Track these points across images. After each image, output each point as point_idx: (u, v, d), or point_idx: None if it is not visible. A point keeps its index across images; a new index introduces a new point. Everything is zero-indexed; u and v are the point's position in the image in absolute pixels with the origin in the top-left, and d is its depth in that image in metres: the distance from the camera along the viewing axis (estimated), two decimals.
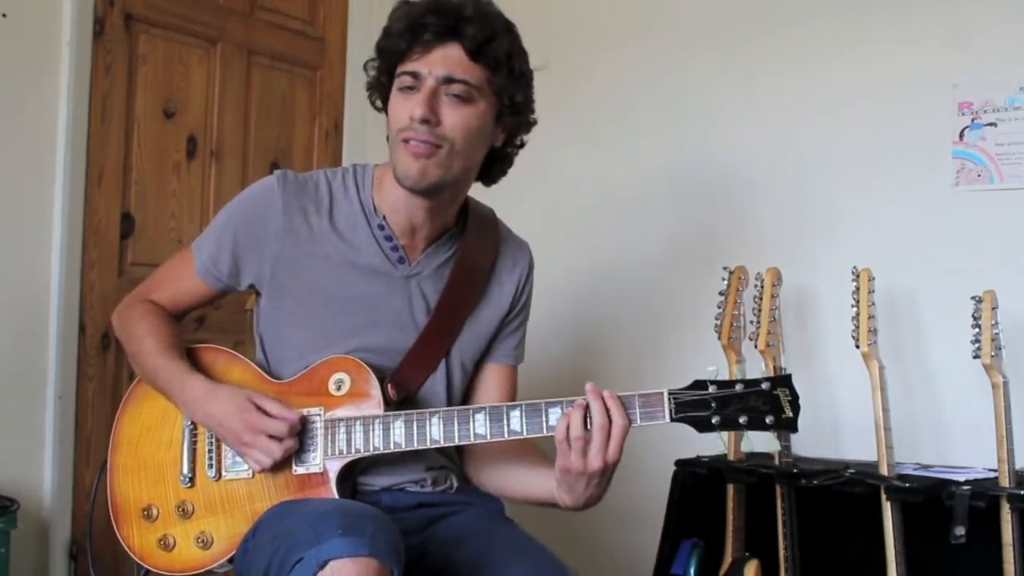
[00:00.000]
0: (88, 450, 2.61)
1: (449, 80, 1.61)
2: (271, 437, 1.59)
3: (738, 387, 1.53)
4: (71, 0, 2.53)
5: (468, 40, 1.61)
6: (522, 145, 1.78)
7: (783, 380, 1.54)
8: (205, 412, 1.64)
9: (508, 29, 1.67)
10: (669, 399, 1.53)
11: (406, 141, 1.61)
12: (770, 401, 1.52)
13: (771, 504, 2.35)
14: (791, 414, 1.52)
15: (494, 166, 1.76)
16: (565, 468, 1.54)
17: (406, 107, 1.61)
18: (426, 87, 1.60)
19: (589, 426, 1.51)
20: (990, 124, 2.47)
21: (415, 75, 1.61)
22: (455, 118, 1.61)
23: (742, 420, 1.53)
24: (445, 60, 1.61)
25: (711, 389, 1.53)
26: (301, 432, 1.62)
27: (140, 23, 2.73)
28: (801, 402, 1.54)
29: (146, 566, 1.68)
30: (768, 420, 1.52)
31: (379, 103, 1.74)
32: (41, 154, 2.53)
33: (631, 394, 1.53)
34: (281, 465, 1.63)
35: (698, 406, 1.53)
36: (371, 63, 1.71)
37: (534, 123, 1.75)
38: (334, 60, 3.23)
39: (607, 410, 1.51)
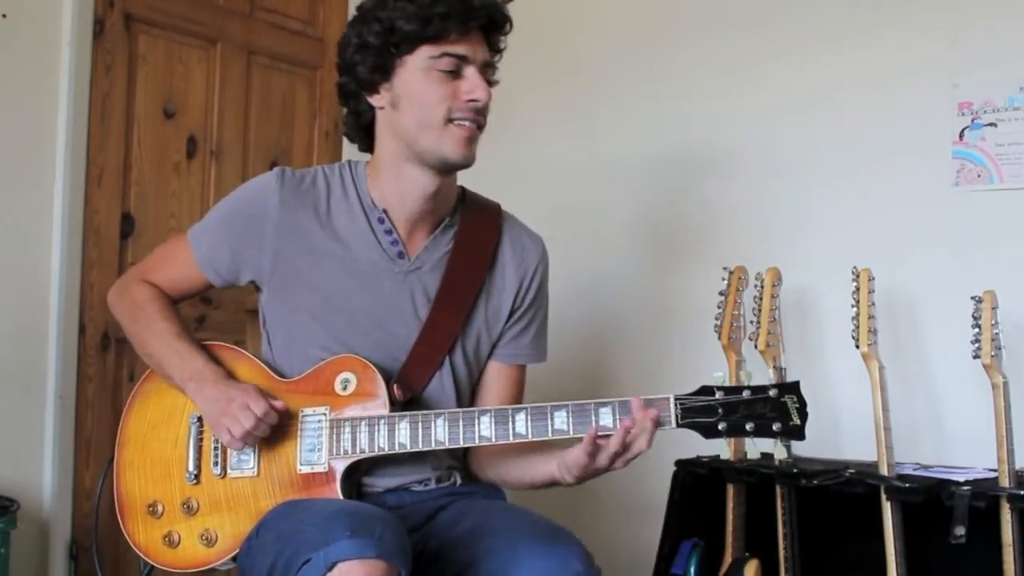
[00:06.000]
0: (88, 450, 2.61)
1: (487, 65, 1.66)
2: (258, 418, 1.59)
3: (745, 393, 1.52)
4: (71, 0, 2.53)
5: (499, 32, 1.66)
6: None
7: (791, 387, 1.53)
8: (213, 390, 1.63)
9: None
10: (675, 404, 1.52)
11: (459, 123, 1.62)
12: (777, 408, 1.51)
13: (771, 504, 2.34)
14: (798, 422, 1.51)
15: None
16: (584, 464, 1.54)
17: (454, 88, 1.62)
18: (475, 72, 1.63)
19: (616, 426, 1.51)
20: (990, 124, 2.47)
21: (463, 58, 1.62)
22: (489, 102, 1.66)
23: (749, 427, 1.51)
24: (481, 45, 1.65)
25: (718, 395, 1.52)
26: (307, 430, 1.63)
27: (140, 23, 2.73)
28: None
29: (151, 562, 1.69)
30: (775, 427, 1.51)
31: (367, 80, 1.74)
32: (41, 154, 2.53)
33: (638, 399, 1.53)
34: (286, 464, 1.64)
35: (704, 412, 1.52)
36: (373, 35, 1.70)
37: None
38: (334, 60, 3.22)
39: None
